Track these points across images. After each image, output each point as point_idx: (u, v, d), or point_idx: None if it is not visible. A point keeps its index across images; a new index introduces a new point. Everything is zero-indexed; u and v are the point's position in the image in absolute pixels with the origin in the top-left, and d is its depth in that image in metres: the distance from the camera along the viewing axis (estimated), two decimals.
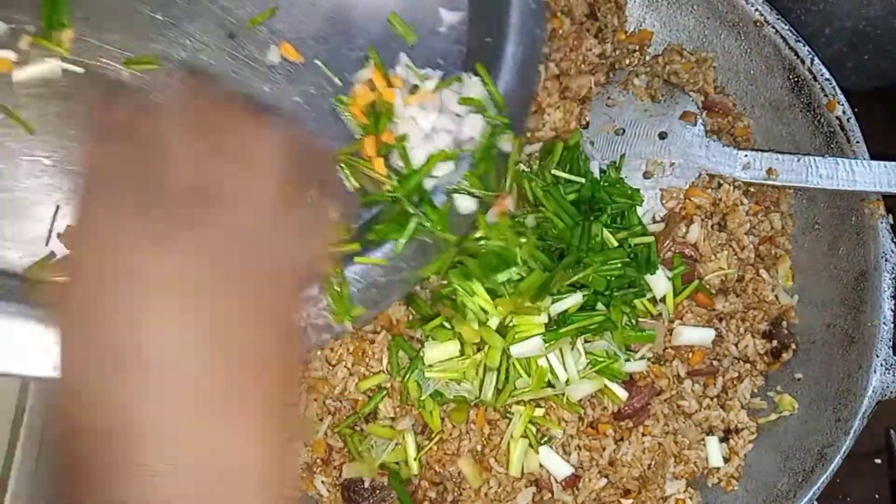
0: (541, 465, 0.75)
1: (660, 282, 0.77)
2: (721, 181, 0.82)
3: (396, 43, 0.62)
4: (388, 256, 0.57)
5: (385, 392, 0.75)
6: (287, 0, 0.61)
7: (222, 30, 0.60)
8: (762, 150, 0.83)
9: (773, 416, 0.81)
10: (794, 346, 0.81)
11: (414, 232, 0.57)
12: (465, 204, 0.59)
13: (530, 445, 0.74)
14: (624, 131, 0.84)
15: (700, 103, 0.86)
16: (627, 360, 0.75)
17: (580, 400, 0.75)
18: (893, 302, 0.77)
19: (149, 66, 0.57)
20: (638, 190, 0.80)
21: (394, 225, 0.57)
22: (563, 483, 0.75)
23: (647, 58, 0.90)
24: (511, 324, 0.71)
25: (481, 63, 0.60)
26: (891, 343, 0.76)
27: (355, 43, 0.62)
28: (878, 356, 0.75)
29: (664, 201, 0.82)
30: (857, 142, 0.80)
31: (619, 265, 0.74)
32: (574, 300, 0.72)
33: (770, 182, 0.82)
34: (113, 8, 0.58)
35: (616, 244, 0.76)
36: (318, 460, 0.77)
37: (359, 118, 0.59)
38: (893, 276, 0.77)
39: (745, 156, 0.83)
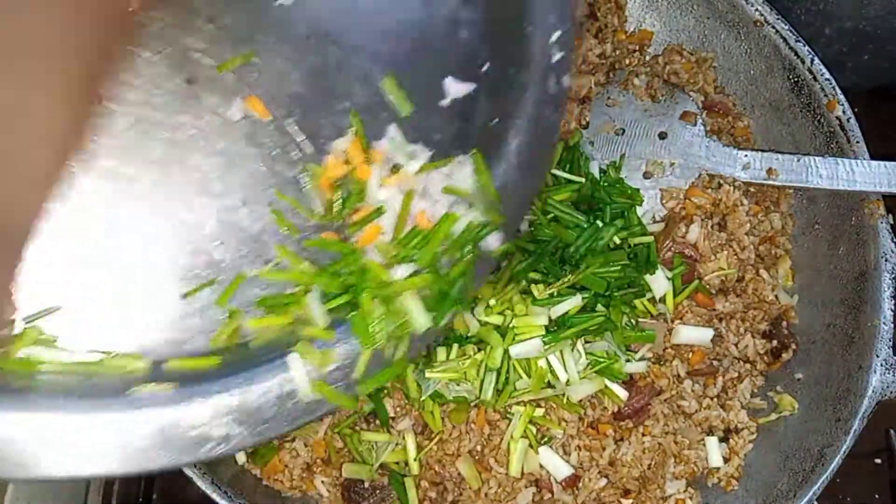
0: (541, 466, 0.75)
1: (660, 282, 0.77)
2: (721, 181, 0.82)
3: (387, 112, 0.52)
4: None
5: (385, 392, 0.75)
6: (267, 47, 0.52)
7: (181, 73, 0.51)
8: (762, 150, 0.83)
9: (773, 416, 0.81)
10: (794, 346, 0.81)
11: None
12: (421, 321, 0.49)
13: (530, 446, 0.74)
14: (624, 131, 0.84)
15: (700, 103, 0.86)
16: (628, 360, 0.75)
17: (580, 400, 0.75)
18: (893, 302, 0.77)
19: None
20: (638, 190, 0.80)
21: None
22: (563, 483, 0.75)
23: (647, 58, 0.90)
24: (511, 325, 0.71)
25: (480, 148, 0.51)
26: (891, 343, 0.76)
27: (338, 106, 0.52)
28: (878, 356, 0.75)
29: (664, 201, 0.82)
30: (857, 142, 0.80)
31: (619, 267, 0.74)
32: (574, 302, 0.72)
33: (770, 182, 0.82)
34: None
35: (616, 244, 0.76)
36: (318, 460, 0.77)
37: (324, 192, 0.52)
38: (893, 276, 0.77)
39: (745, 156, 0.83)
